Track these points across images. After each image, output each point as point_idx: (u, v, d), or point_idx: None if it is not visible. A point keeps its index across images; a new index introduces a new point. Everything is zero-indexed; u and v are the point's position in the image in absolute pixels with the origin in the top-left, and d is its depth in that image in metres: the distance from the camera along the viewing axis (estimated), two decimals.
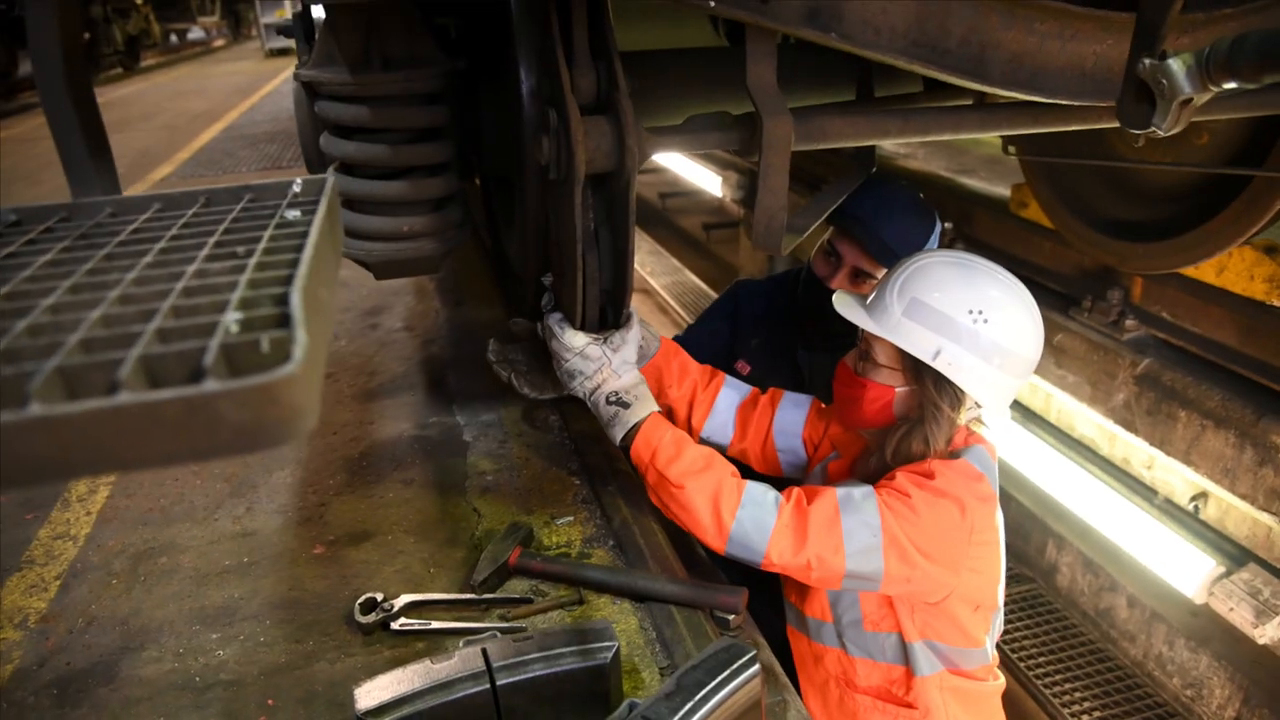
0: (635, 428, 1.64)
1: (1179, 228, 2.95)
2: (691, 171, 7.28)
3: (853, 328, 2.13)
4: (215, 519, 1.95)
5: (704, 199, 9.21)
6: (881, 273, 2.01)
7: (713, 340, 2.34)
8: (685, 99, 2.20)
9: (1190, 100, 1.32)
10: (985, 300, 1.49)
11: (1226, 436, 2.95)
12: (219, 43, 21.54)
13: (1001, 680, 1.75)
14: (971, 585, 1.55)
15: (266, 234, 0.85)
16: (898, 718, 1.67)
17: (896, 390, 1.58)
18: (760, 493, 1.52)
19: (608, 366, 1.68)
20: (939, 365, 1.49)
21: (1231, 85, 1.25)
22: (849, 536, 1.46)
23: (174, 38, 19.68)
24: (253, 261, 0.77)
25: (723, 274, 7.98)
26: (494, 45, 2.13)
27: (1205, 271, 3.12)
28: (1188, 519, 3.31)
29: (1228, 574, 3.12)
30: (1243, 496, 2.95)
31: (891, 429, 1.61)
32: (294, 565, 1.78)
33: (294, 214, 0.93)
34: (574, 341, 1.70)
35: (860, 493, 1.50)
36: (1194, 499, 3.28)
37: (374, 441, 2.22)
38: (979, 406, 1.57)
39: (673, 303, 7.09)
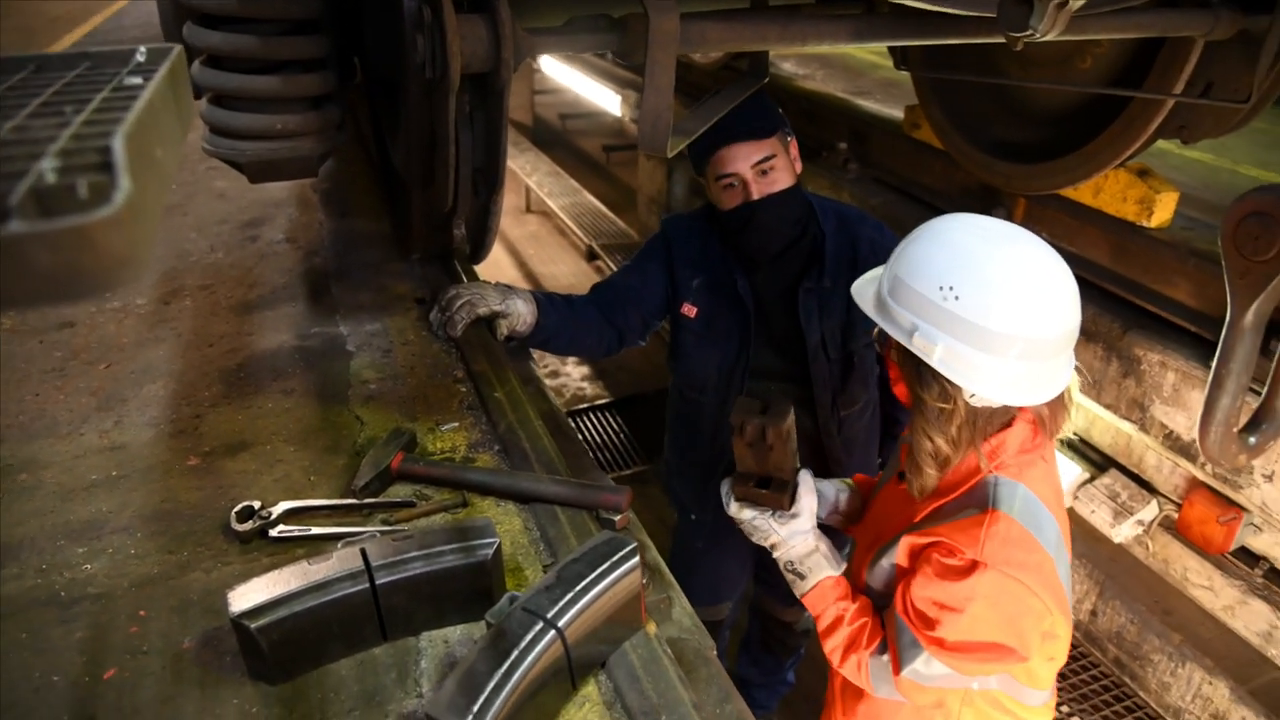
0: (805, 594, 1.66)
1: (1061, 150, 3.06)
2: (592, 91, 7.15)
3: (786, 245, 2.15)
4: (80, 434, 1.86)
5: (604, 120, 9.11)
6: (767, 147, 2.03)
7: (648, 283, 2.31)
8: (570, 3, 2.15)
9: (1066, 3, 1.35)
10: (961, 273, 1.33)
11: (1095, 350, 3.11)
12: None
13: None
14: (1051, 647, 1.52)
15: (100, 96, 0.79)
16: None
17: (904, 371, 1.49)
18: (884, 668, 1.56)
19: (775, 536, 1.67)
20: (914, 348, 1.37)
21: None
22: (948, 680, 1.51)
23: None
24: (80, 119, 0.71)
25: (622, 196, 7.94)
26: None
27: (1083, 193, 3.25)
28: None
29: (1091, 480, 3.32)
30: (1108, 407, 3.13)
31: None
32: (167, 477, 1.71)
33: (135, 80, 0.86)
34: (740, 515, 1.70)
35: (921, 659, 1.48)
36: None
37: (253, 353, 2.14)
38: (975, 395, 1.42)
39: (571, 224, 7.03)
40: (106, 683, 1.25)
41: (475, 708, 1.07)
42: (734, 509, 1.68)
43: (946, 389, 1.40)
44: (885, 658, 1.56)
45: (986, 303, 1.31)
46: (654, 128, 1.68)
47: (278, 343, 2.18)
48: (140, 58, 0.96)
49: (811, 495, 1.66)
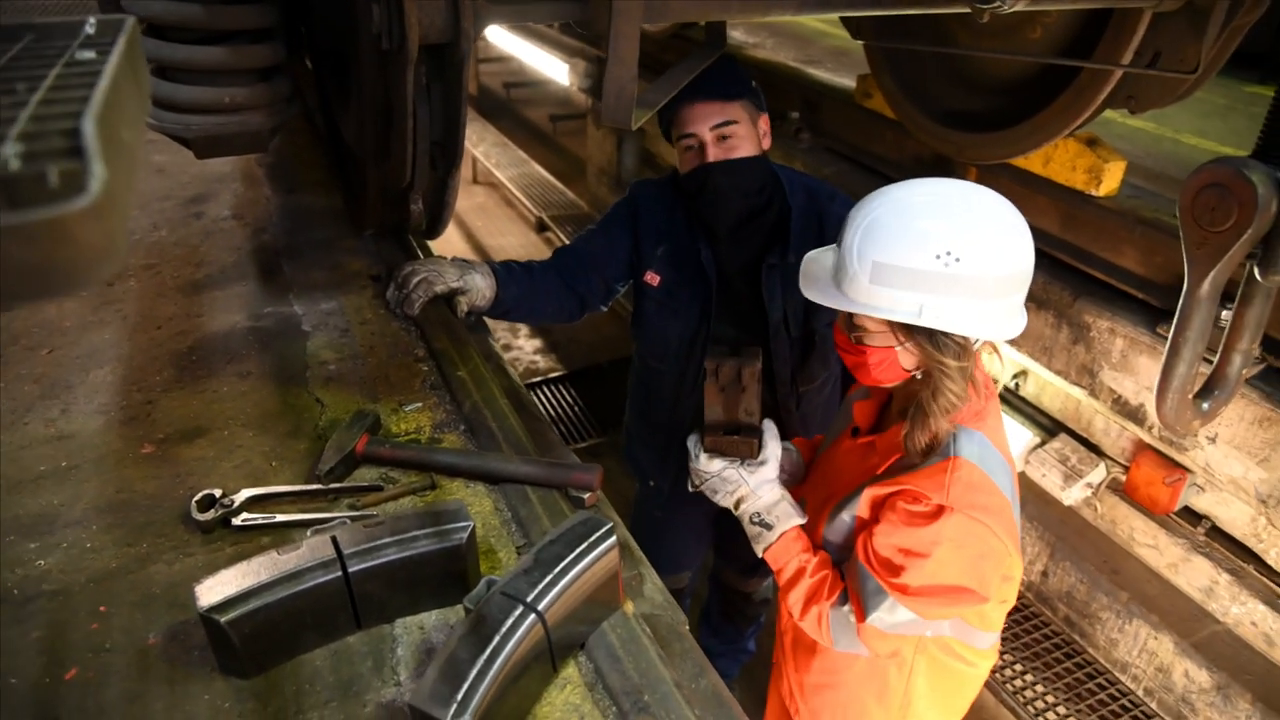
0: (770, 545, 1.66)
1: (1011, 119, 3.08)
2: (538, 60, 7.03)
3: (747, 216, 2.12)
4: (25, 423, 1.78)
5: (550, 89, 8.98)
6: (729, 111, 2.01)
7: (613, 248, 2.28)
8: None
9: None
10: (948, 237, 1.35)
11: (1046, 317, 3.16)
12: None
13: (986, 666, 1.74)
14: (1006, 589, 1.56)
15: (54, 72, 0.74)
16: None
17: (896, 349, 1.48)
18: (845, 618, 1.58)
19: (744, 487, 1.66)
20: (926, 322, 1.38)
21: None
22: (910, 626, 1.54)
23: None
24: (36, 98, 0.66)
25: (570, 166, 7.86)
26: None
27: (1033, 162, 3.28)
28: (1009, 395, 3.56)
29: (1042, 444, 3.39)
30: (1058, 373, 3.19)
31: (911, 390, 1.53)
32: (120, 467, 1.65)
33: (88, 54, 0.81)
34: (709, 467, 1.67)
35: (886, 605, 1.50)
36: (1015, 377, 3.52)
37: (204, 334, 2.07)
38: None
39: (520, 195, 6.95)
40: (69, 683, 1.21)
41: (459, 696, 1.05)
42: (703, 461, 1.67)
43: (963, 345, 1.44)
44: (846, 609, 1.59)
45: (988, 253, 1.36)
46: (618, 100, 1.65)
47: (230, 324, 2.11)
48: (90, 30, 0.91)
49: (777, 442, 1.67)
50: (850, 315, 1.51)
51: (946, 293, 1.36)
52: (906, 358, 1.49)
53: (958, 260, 1.34)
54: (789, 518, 1.66)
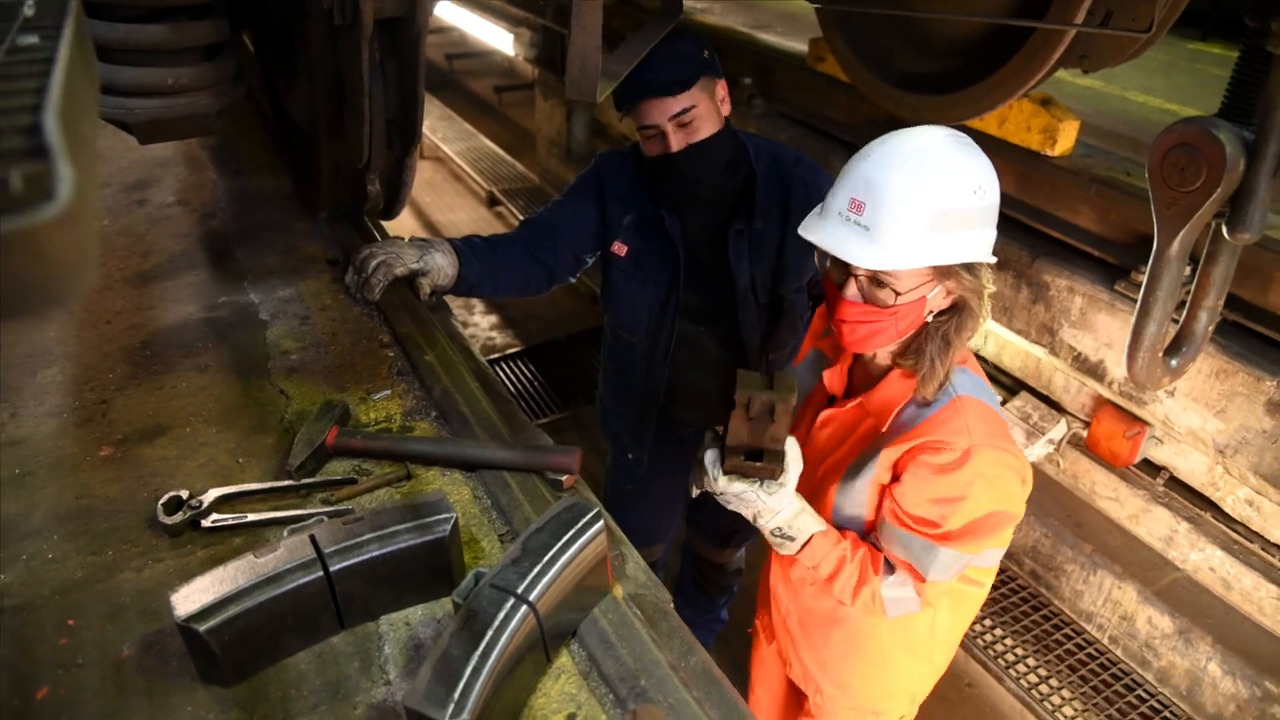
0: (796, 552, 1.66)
1: (966, 81, 3.07)
2: (481, 29, 6.87)
3: (713, 190, 2.09)
4: None
5: (494, 60, 8.83)
6: (684, 100, 1.96)
7: (580, 221, 2.24)
8: None
9: None
10: (972, 172, 1.42)
11: (1005, 278, 3.18)
12: None
13: (989, 582, 1.77)
14: (1024, 494, 1.59)
15: None
16: None
17: (927, 297, 1.48)
18: (898, 587, 1.62)
19: (762, 504, 1.62)
20: (976, 256, 1.45)
21: None
22: (959, 563, 1.57)
23: None
24: None
25: (517, 138, 7.75)
26: None
27: (988, 123, 3.29)
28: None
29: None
30: (1018, 332, 3.22)
31: (924, 332, 1.53)
32: (78, 471, 1.58)
33: (30, 39, 0.75)
34: (729, 488, 1.61)
35: (938, 557, 1.53)
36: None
37: (157, 328, 1.99)
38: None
39: (468, 169, 6.83)
40: (40, 703, 1.15)
41: (456, 694, 1.03)
42: (723, 483, 1.62)
43: (987, 267, 1.50)
44: (894, 578, 1.62)
45: (992, 179, 1.46)
46: (582, 71, 1.60)
47: (184, 315, 2.03)
48: (29, 11, 0.84)
49: (798, 464, 1.63)
50: (875, 278, 1.47)
51: (982, 224, 1.45)
52: (937, 300, 1.50)
53: (985, 191, 1.44)
54: (809, 526, 1.65)
